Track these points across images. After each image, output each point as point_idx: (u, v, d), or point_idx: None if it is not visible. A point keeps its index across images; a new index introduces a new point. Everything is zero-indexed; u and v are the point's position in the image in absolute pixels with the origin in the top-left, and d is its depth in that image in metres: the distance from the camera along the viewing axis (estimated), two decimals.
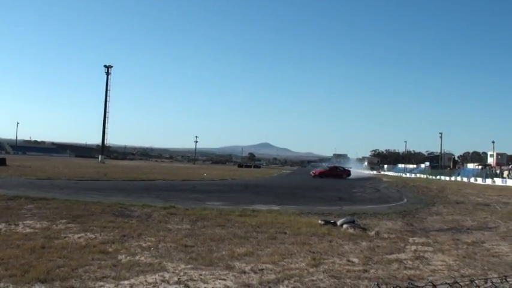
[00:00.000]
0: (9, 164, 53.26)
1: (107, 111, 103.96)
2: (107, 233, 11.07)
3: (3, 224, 11.72)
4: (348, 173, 68.19)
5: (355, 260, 9.32)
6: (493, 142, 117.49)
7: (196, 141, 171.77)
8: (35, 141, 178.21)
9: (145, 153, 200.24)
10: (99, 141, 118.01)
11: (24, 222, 12.29)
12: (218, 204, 19.75)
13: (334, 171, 67.26)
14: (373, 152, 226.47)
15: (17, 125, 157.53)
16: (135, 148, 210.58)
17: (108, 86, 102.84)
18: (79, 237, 10.41)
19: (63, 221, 12.76)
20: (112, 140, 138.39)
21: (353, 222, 14.44)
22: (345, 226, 13.80)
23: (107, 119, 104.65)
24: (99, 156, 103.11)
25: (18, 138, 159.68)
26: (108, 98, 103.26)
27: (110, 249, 9.23)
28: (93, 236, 10.63)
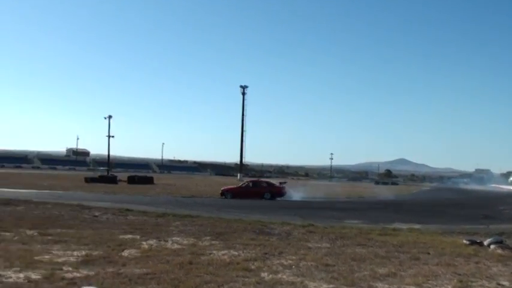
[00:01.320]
0: (156, 182, 56.67)
1: (244, 130, 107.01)
2: (249, 251, 11.35)
3: (154, 240, 12.47)
4: (278, 191, 37.81)
5: (506, 284, 8.73)
6: None
7: (332, 158, 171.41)
8: (179, 161, 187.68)
9: (282, 171, 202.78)
10: (237, 160, 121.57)
11: (173, 238, 12.99)
12: (357, 222, 19.50)
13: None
14: None
15: (163, 146, 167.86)
16: (271, 166, 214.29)
17: (244, 105, 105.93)
18: (223, 254, 10.78)
19: (208, 237, 13.30)
20: (249, 158, 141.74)
21: (501, 242, 13.50)
22: (492, 246, 12.95)
23: (244, 138, 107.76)
24: (238, 175, 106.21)
25: (163, 158, 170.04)
26: (244, 117, 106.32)
27: (253, 267, 9.45)
28: (237, 253, 10.94)
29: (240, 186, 39.23)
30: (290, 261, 10.17)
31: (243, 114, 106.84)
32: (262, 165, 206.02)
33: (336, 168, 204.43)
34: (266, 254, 11.03)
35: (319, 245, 12.67)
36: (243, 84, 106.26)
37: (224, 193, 36.59)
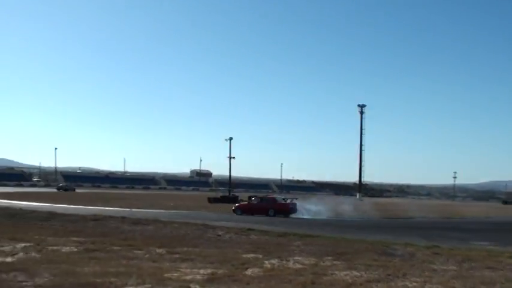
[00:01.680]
0: None
1: (363, 149, 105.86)
2: (372, 271, 11.17)
3: (276, 259, 12.65)
4: (280, 208, 35.76)
5: None
6: None
7: (455, 177, 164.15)
8: (297, 181, 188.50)
9: (402, 190, 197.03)
10: (355, 179, 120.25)
11: (294, 258, 13.10)
12: (485, 244, 18.55)
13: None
14: None
15: (281, 166, 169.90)
16: (391, 185, 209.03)
17: (363, 124, 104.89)
18: (345, 275, 10.70)
19: (329, 257, 13.26)
20: (368, 178, 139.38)
21: None
22: None
23: (362, 157, 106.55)
24: (357, 194, 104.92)
25: (282, 178, 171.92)
26: (362, 136, 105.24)
27: None
28: (359, 274, 10.82)
29: (248, 203, 38.53)
30: (415, 284, 9.89)
31: (361, 133, 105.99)
32: (381, 185, 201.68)
33: (459, 187, 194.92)
34: (389, 275, 10.81)
35: (445, 268, 12.19)
36: (360, 103, 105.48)
37: (235, 209, 36.24)
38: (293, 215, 34.93)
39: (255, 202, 37.72)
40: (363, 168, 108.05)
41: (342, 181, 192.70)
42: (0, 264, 10.76)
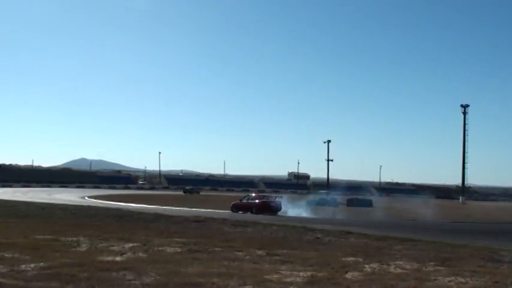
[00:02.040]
0: (375, 205, 56.44)
1: (466, 151, 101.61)
2: (478, 278, 10.73)
3: (377, 263, 12.46)
4: (260, 206, 37.30)
5: None
6: None
7: None
8: (396, 183, 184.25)
9: (508, 194, 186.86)
10: (457, 182, 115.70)
11: (395, 262, 12.83)
12: None
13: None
14: None
15: (380, 168, 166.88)
16: (496, 188, 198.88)
17: (466, 125, 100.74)
18: (449, 281, 10.35)
19: (432, 263, 12.88)
20: (472, 181, 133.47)
21: None
22: None
23: (465, 159, 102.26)
24: (460, 198, 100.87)
25: (381, 180, 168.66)
26: (466, 137, 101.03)
27: None
28: (464, 281, 10.43)
29: (241, 201, 40.03)
30: None
31: (464, 134, 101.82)
32: (485, 188, 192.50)
33: None
34: (496, 282, 10.33)
35: None
36: (464, 103, 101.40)
37: (232, 208, 38.69)
38: (280, 213, 37.18)
39: (244, 201, 39.86)
40: (466, 171, 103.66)
41: (443, 184, 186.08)
42: (111, 263, 11.39)
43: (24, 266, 10.62)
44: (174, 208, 36.90)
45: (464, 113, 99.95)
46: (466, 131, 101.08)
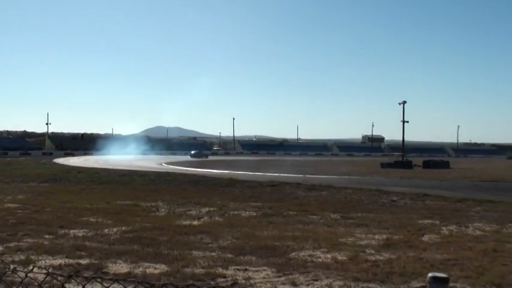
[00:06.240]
0: (452, 166, 54.85)
1: None
2: None
3: (454, 226, 12.23)
4: None
5: None
6: None
7: None
8: (475, 144, 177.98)
9: None
10: None
11: (474, 224, 12.55)
12: None
13: None
14: None
15: (458, 129, 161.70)
16: None
17: None
18: None
19: None
20: None
21: None
22: None
23: None
24: None
25: (459, 141, 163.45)
26: None
27: None
28: None
29: None
30: None
31: None
32: None
33: None
34: None
35: None
36: None
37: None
38: None
39: None
40: None
41: None
42: (189, 227, 11.76)
43: (107, 230, 11.16)
44: (248, 173, 37.34)
45: None
46: None
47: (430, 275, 2.35)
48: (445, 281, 2.34)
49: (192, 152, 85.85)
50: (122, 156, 69.67)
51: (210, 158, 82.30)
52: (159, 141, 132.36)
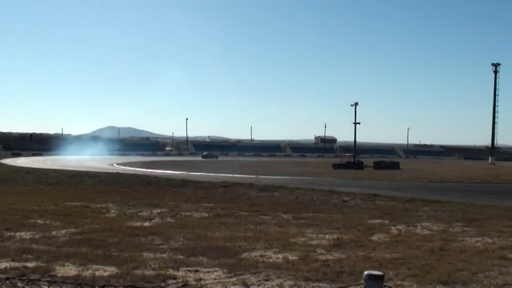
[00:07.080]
0: (402, 167, 56.06)
1: (496, 111, 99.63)
2: (505, 238, 10.68)
3: (403, 225, 12.48)
4: None
5: None
6: None
7: None
8: (424, 145, 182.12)
9: None
10: (487, 143, 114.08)
11: (422, 224, 12.84)
12: None
13: None
14: None
15: (408, 130, 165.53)
16: None
17: (497, 84, 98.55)
18: (476, 241, 10.33)
19: (459, 224, 12.85)
20: (502, 141, 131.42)
21: None
22: None
23: (496, 119, 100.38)
24: (489, 158, 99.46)
25: (409, 142, 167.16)
26: (496, 97, 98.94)
27: (510, 255, 8.90)
28: (491, 241, 10.39)
29: None
30: None
31: (495, 94, 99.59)
32: None
33: None
34: None
35: None
36: (495, 62, 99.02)
37: None
38: None
39: None
40: (496, 131, 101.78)
41: (473, 145, 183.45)
42: (139, 229, 11.60)
43: (55, 232, 10.90)
44: (200, 174, 37.18)
45: (496, 72, 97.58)
46: (496, 91, 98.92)
47: (366, 272, 2.40)
48: (380, 278, 2.39)
49: (204, 153, 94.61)
50: (72, 157, 68.33)
51: (164, 158, 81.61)
52: (111, 141, 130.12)
